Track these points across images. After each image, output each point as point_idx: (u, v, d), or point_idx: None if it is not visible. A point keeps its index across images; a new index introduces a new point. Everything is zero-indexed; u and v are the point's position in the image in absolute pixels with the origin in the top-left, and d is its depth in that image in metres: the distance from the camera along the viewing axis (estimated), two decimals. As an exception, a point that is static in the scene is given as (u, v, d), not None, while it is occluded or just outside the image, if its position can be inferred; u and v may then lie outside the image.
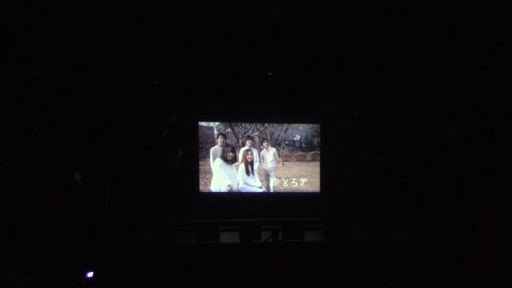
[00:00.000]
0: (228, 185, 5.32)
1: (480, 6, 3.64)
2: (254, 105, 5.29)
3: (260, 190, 5.37)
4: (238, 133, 5.38)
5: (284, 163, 5.40)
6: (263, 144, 5.37)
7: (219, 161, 5.30)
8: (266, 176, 5.37)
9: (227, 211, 5.13)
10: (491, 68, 3.60)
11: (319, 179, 5.40)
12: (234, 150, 5.35)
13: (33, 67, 3.96)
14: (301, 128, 5.49)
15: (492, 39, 3.66)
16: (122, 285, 3.29)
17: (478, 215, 3.69)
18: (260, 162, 5.37)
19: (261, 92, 5.00)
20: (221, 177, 5.32)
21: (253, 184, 5.34)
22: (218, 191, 5.34)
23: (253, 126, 5.40)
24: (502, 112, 3.49)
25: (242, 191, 5.35)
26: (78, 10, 3.83)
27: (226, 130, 5.39)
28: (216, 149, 5.34)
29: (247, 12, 3.75)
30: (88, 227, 4.09)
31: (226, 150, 5.34)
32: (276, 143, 5.41)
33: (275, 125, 5.42)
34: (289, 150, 5.45)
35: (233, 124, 5.38)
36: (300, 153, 5.44)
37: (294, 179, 5.41)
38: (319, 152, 5.43)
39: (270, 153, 5.38)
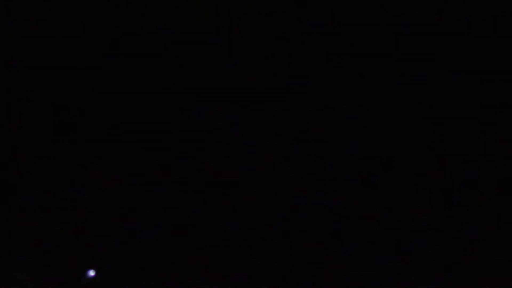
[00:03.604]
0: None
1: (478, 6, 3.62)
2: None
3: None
4: (238, 132, 5.39)
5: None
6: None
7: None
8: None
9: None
10: (492, 68, 3.58)
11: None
12: (234, 149, 5.36)
13: (32, 65, 3.95)
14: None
15: (491, 38, 3.64)
16: (122, 285, 3.29)
17: (476, 214, 3.68)
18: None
19: (258, 92, 4.99)
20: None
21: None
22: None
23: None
24: (503, 112, 3.48)
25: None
26: (80, 10, 3.82)
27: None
28: (216, 148, 5.34)
29: (245, 11, 3.74)
30: (88, 226, 4.09)
31: (226, 148, 5.35)
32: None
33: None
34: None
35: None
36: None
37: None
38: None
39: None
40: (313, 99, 4.95)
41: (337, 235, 4.35)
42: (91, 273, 3.34)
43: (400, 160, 4.84)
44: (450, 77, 4.16)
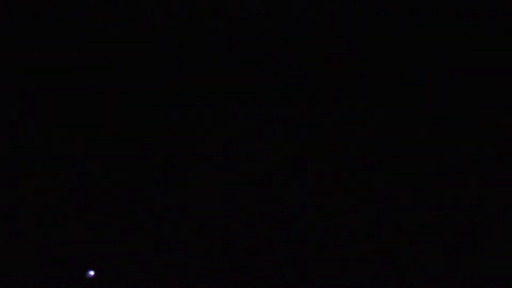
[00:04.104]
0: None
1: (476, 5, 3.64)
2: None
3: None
4: (238, 132, 5.41)
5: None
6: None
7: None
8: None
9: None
10: (491, 67, 3.60)
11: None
12: (234, 149, 5.38)
13: (31, 64, 3.96)
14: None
15: (491, 37, 3.65)
16: (122, 285, 3.31)
17: (477, 215, 3.69)
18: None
19: (255, 93, 5.01)
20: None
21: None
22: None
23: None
24: (503, 112, 3.50)
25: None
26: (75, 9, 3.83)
27: (226, 129, 5.42)
28: (216, 148, 5.35)
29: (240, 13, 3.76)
30: (88, 226, 4.09)
31: (226, 148, 5.37)
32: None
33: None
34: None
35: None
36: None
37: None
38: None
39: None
40: (314, 99, 4.95)
41: (337, 235, 4.35)
42: (91, 273, 3.35)
43: (401, 160, 4.84)
44: (450, 77, 4.17)
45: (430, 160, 4.48)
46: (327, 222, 4.51)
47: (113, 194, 4.52)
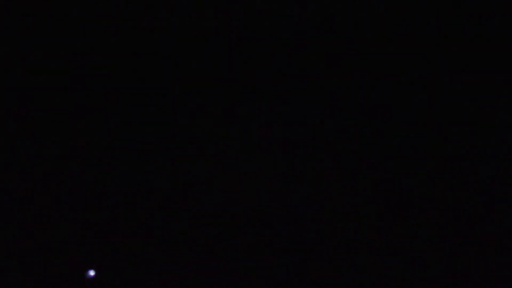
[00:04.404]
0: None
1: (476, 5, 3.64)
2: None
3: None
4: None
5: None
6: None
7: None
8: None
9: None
10: (491, 67, 3.60)
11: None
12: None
13: (32, 65, 3.96)
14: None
15: (491, 36, 3.65)
16: (122, 285, 3.31)
17: (478, 214, 3.69)
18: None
19: (254, 93, 5.02)
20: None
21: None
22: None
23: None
24: (503, 111, 3.50)
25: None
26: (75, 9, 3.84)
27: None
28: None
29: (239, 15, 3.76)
30: (88, 226, 4.09)
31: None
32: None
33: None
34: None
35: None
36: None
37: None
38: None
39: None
40: (314, 99, 4.94)
41: (337, 235, 4.35)
42: (91, 273, 3.35)
43: (401, 160, 4.83)
44: (450, 77, 4.17)
45: (430, 160, 4.47)
46: (327, 221, 4.50)
47: (113, 194, 4.51)
